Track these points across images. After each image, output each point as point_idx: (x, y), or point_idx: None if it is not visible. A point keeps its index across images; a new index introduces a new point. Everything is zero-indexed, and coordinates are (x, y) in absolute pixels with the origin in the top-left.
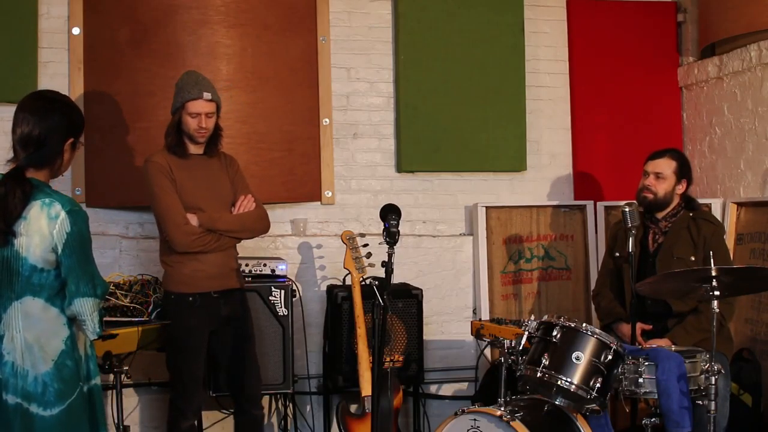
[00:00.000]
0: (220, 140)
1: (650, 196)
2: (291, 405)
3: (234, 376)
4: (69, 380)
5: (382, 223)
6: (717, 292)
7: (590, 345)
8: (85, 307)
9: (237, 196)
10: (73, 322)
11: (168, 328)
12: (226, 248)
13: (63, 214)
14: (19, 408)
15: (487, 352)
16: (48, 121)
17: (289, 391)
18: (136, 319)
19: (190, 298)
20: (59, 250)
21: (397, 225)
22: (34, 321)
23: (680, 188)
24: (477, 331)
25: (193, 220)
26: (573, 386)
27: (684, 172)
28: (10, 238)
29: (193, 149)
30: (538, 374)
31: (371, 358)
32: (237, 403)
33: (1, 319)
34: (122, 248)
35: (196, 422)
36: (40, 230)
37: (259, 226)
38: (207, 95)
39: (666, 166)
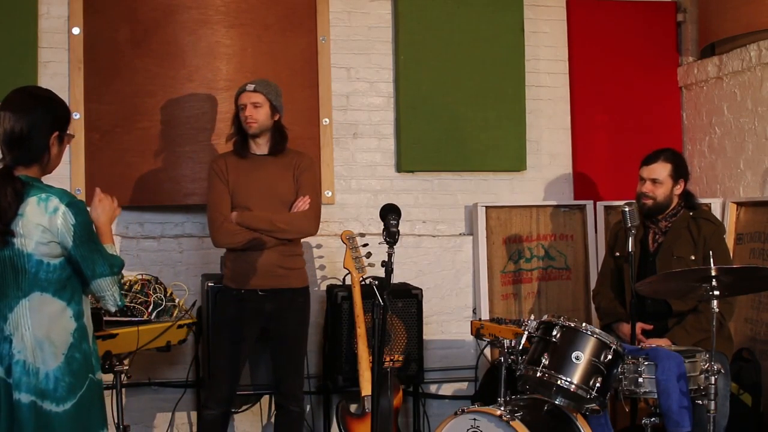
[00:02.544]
0: (284, 139)
1: (649, 202)
2: None
3: (273, 372)
4: (78, 373)
5: (382, 223)
6: (717, 292)
7: (590, 345)
8: (104, 285)
9: (297, 196)
10: (81, 315)
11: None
12: (270, 247)
13: (62, 207)
14: (32, 406)
15: (487, 351)
16: (30, 116)
17: None
18: (136, 318)
19: (234, 293)
20: (69, 244)
21: (397, 225)
22: (43, 316)
23: (678, 188)
24: (477, 331)
25: (232, 217)
26: (573, 386)
27: (680, 172)
28: (9, 238)
29: (256, 149)
30: (538, 374)
31: (371, 357)
32: (275, 399)
33: (8, 320)
34: (122, 248)
35: (222, 413)
36: (40, 225)
37: (296, 227)
38: (250, 86)
39: (661, 170)
